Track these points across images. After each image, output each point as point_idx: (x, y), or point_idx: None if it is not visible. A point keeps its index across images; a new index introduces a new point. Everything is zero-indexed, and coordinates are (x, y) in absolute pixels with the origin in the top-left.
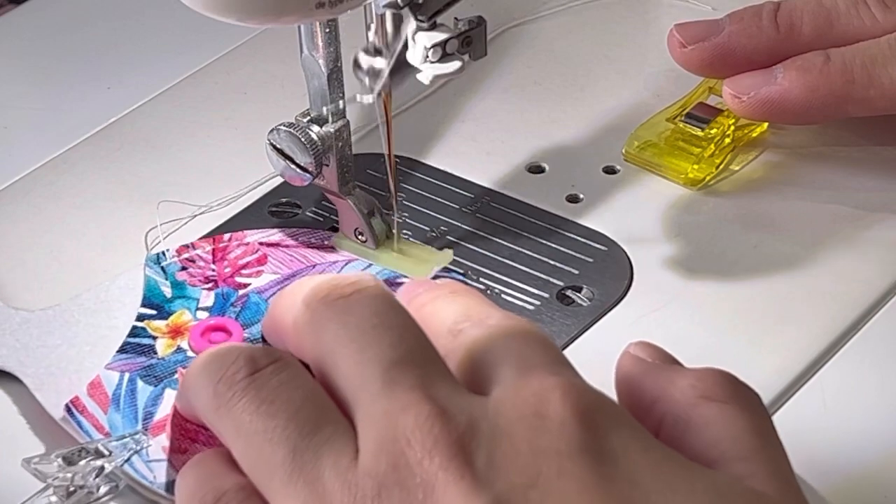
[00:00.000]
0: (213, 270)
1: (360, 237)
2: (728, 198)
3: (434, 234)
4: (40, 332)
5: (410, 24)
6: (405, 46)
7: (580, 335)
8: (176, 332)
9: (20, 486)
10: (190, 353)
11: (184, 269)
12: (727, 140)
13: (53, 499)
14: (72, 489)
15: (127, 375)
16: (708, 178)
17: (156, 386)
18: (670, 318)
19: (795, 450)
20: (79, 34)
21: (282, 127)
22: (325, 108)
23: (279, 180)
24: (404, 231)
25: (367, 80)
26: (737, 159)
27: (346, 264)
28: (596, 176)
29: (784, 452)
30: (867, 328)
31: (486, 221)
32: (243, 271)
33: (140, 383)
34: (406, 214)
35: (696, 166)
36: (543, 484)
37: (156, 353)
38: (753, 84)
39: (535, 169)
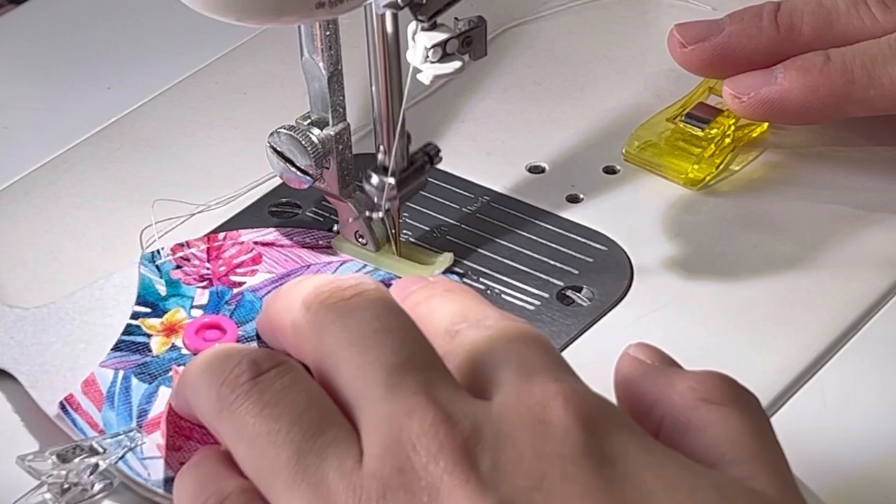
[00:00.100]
0: (208, 269)
1: (360, 240)
2: (728, 198)
3: (434, 235)
4: (35, 330)
5: (410, 25)
6: (409, 163)
7: (580, 335)
8: (170, 330)
9: (14, 483)
10: (184, 351)
11: (178, 267)
12: (727, 140)
13: (48, 496)
14: (66, 486)
15: (121, 373)
16: (708, 178)
17: (150, 384)
18: (670, 318)
19: (795, 450)
20: (79, 34)
21: (282, 130)
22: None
23: (279, 180)
24: (404, 231)
25: (376, 198)
26: (737, 159)
27: (342, 265)
28: (596, 176)
29: (783, 455)
30: (867, 328)
31: (486, 221)
32: (238, 270)
33: (134, 381)
34: (406, 214)
35: (696, 166)
36: (547, 487)
37: (150, 350)
38: (754, 84)
39: (535, 169)
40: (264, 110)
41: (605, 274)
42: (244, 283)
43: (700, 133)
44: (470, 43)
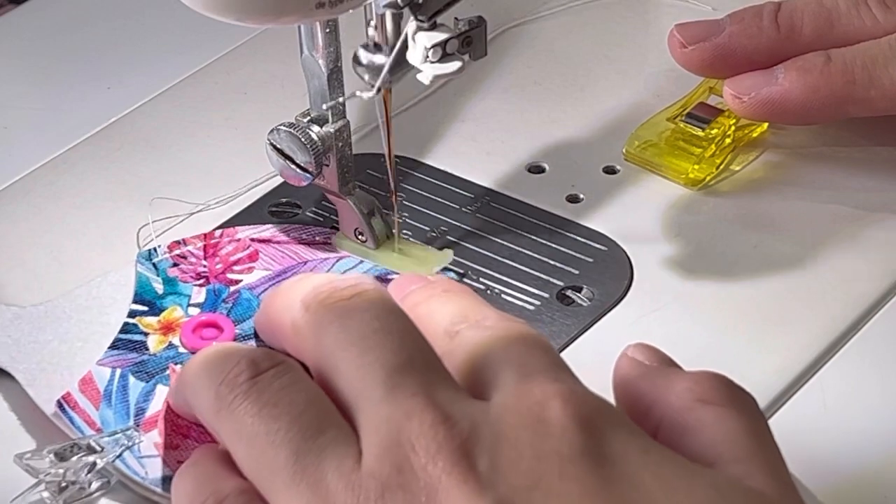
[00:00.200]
0: (205, 267)
1: (360, 237)
2: (728, 198)
3: (434, 234)
4: (32, 328)
5: (410, 24)
6: (405, 43)
7: (580, 335)
8: (167, 329)
9: (12, 481)
10: (182, 350)
11: (175, 265)
12: (727, 140)
13: (45, 494)
14: (63, 485)
15: (119, 371)
16: (708, 178)
17: (147, 382)
18: (670, 318)
19: (795, 450)
20: (79, 34)
21: (282, 127)
22: (324, 106)
23: (279, 180)
24: (404, 231)
25: (366, 77)
26: (737, 159)
27: (337, 261)
28: (596, 176)
29: (780, 454)
30: (867, 328)
31: (486, 221)
32: (235, 268)
33: (132, 379)
34: (406, 214)
35: (696, 166)
36: (545, 486)
37: (147, 349)
38: (754, 84)
39: (535, 169)
40: (264, 110)
41: (605, 274)
42: (241, 280)
43: (700, 133)
44: (470, 43)
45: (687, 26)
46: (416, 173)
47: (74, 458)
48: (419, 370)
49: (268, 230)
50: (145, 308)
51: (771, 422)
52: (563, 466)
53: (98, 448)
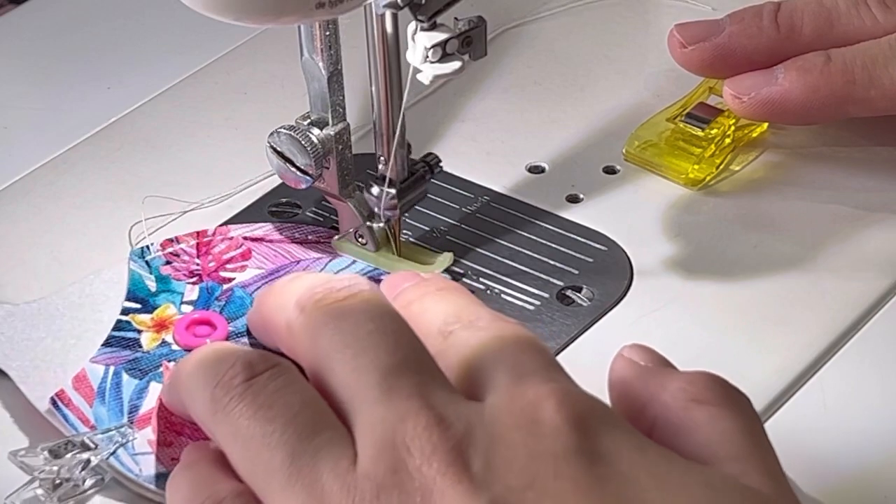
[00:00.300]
0: (198, 265)
1: (360, 240)
2: (728, 198)
3: (434, 235)
4: (25, 326)
5: (410, 25)
6: (410, 174)
7: (580, 335)
8: (161, 326)
9: (6, 478)
10: (175, 347)
11: (168, 263)
12: (727, 140)
13: (39, 491)
14: (58, 482)
15: (112, 369)
16: (708, 178)
17: (141, 379)
18: (670, 318)
19: (795, 450)
20: (79, 34)
21: (282, 129)
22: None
23: (279, 180)
24: (404, 231)
25: (377, 208)
26: (737, 159)
27: (330, 261)
28: (596, 176)
29: (774, 454)
30: (867, 328)
31: (486, 221)
32: (227, 266)
33: (125, 376)
34: (406, 215)
35: (696, 166)
36: (540, 486)
37: (141, 346)
38: (754, 84)
39: (535, 169)
40: (264, 110)
41: (605, 274)
42: (234, 279)
43: (700, 133)
44: (470, 43)
45: (687, 26)
46: None
47: (68, 456)
48: (414, 371)
49: (261, 229)
50: (138, 305)
51: (771, 422)
52: (558, 466)
53: (92, 445)
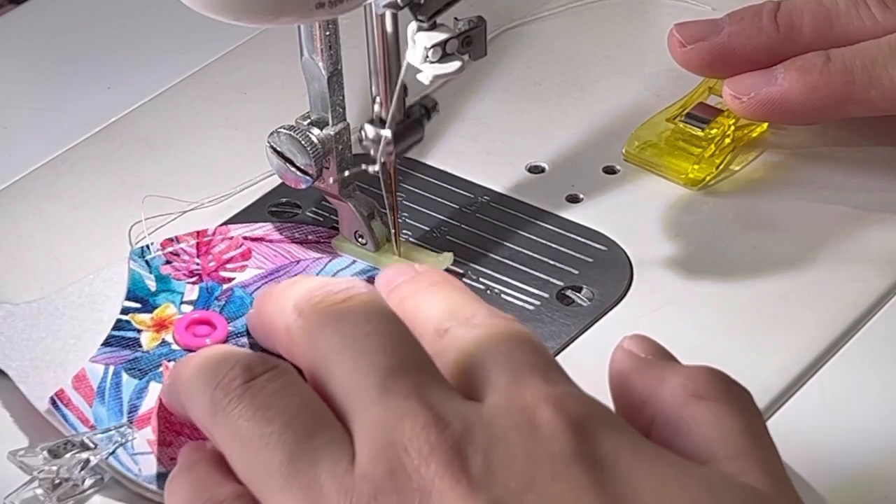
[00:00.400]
0: (198, 264)
1: (360, 240)
2: (728, 198)
3: (434, 235)
4: (25, 325)
5: (411, 25)
6: (407, 116)
7: (580, 335)
8: (161, 326)
9: (6, 478)
10: (175, 347)
11: (168, 262)
12: (727, 140)
13: (39, 491)
14: (57, 482)
15: (112, 368)
16: (708, 178)
17: (140, 379)
18: (670, 318)
19: (795, 450)
20: (79, 34)
21: (282, 129)
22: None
23: (279, 180)
24: (404, 231)
25: (372, 151)
26: (737, 159)
27: (330, 261)
28: (596, 176)
29: (776, 450)
30: (867, 328)
31: (486, 221)
32: (227, 266)
33: (125, 376)
34: (406, 214)
35: (696, 166)
36: (539, 488)
37: (140, 346)
38: (754, 84)
39: (535, 169)
40: (264, 110)
41: (605, 274)
42: (234, 278)
43: (700, 133)
44: (470, 43)
45: (686, 26)
46: (416, 173)
47: (68, 455)
48: (413, 372)
49: (261, 229)
50: (138, 305)
51: (771, 422)
52: (556, 467)
53: (91, 445)
